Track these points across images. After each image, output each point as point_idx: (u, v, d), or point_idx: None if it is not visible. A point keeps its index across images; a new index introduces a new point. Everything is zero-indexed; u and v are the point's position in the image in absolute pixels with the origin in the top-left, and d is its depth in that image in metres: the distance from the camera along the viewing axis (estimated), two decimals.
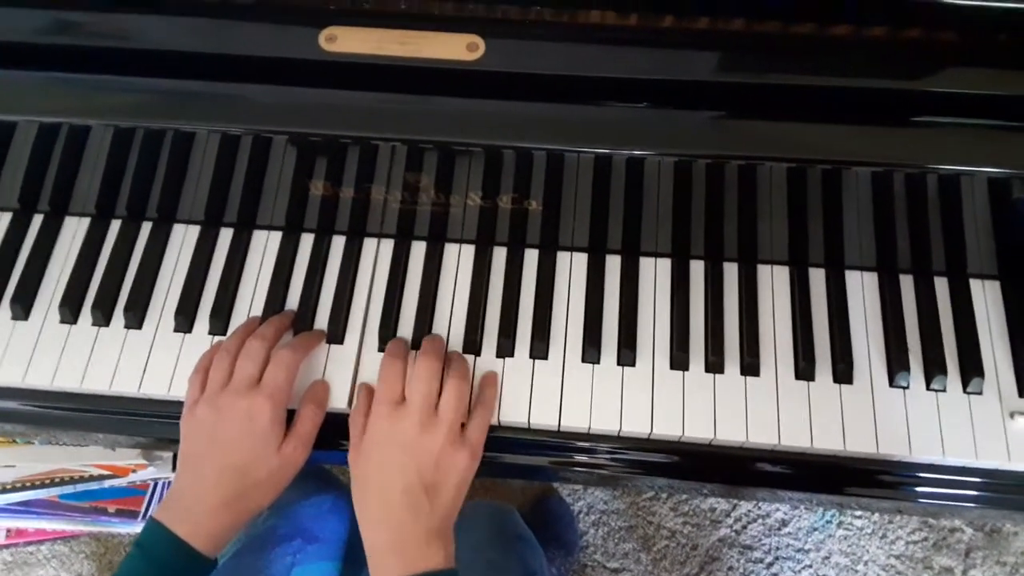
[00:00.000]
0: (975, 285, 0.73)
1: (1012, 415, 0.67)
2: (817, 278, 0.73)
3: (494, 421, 0.68)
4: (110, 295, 0.74)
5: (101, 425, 0.73)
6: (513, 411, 0.68)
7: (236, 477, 0.63)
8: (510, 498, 1.44)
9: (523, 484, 1.45)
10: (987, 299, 0.72)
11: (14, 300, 0.73)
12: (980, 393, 0.68)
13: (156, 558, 0.61)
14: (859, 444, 0.66)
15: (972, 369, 0.69)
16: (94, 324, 0.73)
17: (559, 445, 0.70)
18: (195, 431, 0.65)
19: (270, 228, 0.76)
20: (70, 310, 0.73)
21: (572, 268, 0.74)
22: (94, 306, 0.73)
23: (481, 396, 0.68)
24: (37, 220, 0.77)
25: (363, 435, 0.64)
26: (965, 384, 0.69)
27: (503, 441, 0.70)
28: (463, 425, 0.65)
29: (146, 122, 0.63)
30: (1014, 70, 0.60)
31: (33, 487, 1.28)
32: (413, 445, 0.61)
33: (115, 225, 0.77)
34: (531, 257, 0.75)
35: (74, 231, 0.77)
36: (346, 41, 0.61)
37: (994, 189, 0.62)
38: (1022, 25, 0.59)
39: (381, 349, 0.71)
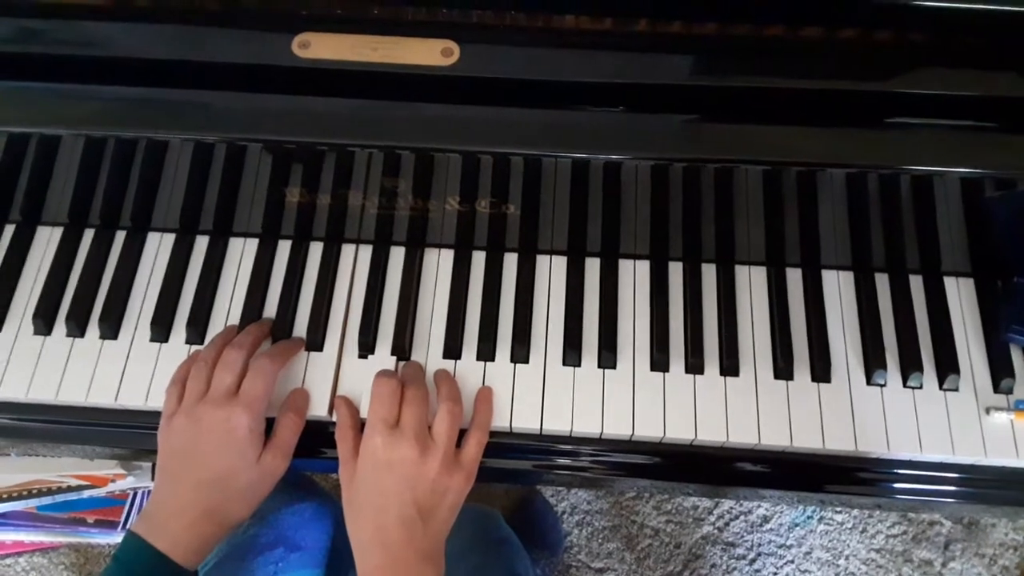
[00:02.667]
0: (950, 283, 0.73)
1: (988, 411, 0.68)
2: (794, 278, 0.74)
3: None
4: (85, 305, 0.73)
5: (78, 437, 0.72)
6: (495, 415, 0.68)
7: (215, 489, 0.62)
8: (493, 500, 1.44)
9: (506, 486, 1.45)
10: (962, 297, 0.73)
11: None
12: (956, 390, 0.69)
13: (135, 572, 0.60)
14: (838, 442, 0.67)
15: (948, 366, 0.69)
16: (69, 335, 0.72)
17: (542, 448, 0.70)
18: (173, 443, 0.64)
19: (246, 235, 0.76)
20: (44, 321, 0.72)
21: (552, 271, 0.74)
22: (68, 317, 0.72)
23: (476, 418, 0.67)
24: (9, 230, 0.76)
25: (355, 454, 0.64)
26: (941, 381, 0.69)
27: (486, 446, 0.69)
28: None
29: (118, 131, 0.62)
30: (983, 71, 0.60)
31: (10, 499, 1.26)
32: (410, 472, 0.61)
33: (88, 234, 0.76)
34: (510, 261, 0.74)
35: (47, 241, 0.76)
36: (320, 47, 0.61)
37: (966, 189, 0.63)
38: (991, 26, 0.59)
39: (361, 356, 0.71)
